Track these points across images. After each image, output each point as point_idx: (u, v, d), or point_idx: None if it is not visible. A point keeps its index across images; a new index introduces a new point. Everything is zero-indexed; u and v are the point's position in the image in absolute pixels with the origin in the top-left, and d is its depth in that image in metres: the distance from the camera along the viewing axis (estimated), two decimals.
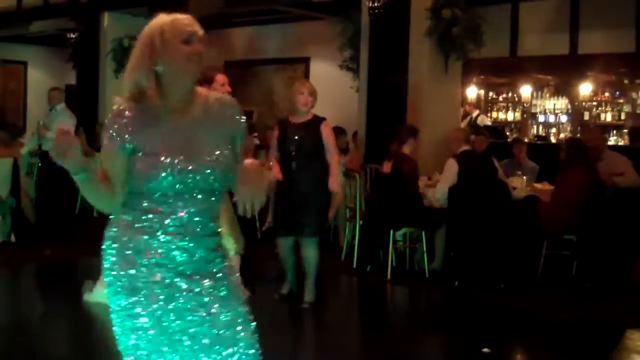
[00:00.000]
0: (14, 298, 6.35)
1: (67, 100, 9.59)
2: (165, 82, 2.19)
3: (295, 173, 5.54)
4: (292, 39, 12.41)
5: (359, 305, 6.51)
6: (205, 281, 2.20)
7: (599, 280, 6.32)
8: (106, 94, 11.18)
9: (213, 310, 2.20)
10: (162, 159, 2.12)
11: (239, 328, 2.24)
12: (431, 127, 7.92)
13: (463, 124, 10.61)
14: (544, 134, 11.41)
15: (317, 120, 5.60)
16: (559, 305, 5.96)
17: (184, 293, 2.17)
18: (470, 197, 6.45)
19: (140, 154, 2.13)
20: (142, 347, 2.17)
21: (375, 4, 8.17)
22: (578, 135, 10.35)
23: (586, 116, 11.10)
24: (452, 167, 6.63)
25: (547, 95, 11.53)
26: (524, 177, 7.58)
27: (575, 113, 11.21)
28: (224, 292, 2.23)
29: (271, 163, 5.78)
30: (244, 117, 2.38)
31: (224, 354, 2.21)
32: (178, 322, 2.17)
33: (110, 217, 2.22)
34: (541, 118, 11.64)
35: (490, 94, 12.22)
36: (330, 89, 10.24)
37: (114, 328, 2.21)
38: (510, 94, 12.01)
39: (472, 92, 11.71)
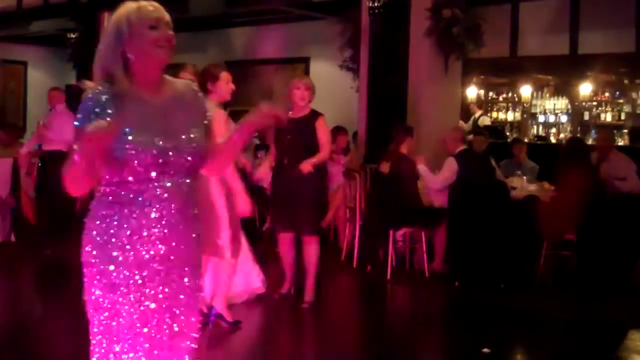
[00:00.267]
0: (14, 298, 6.35)
1: (67, 101, 9.59)
2: (134, 69, 2.24)
3: (289, 167, 5.56)
4: (292, 39, 12.40)
5: (359, 305, 6.51)
6: (182, 260, 2.29)
7: (599, 280, 6.32)
8: None
9: (185, 283, 2.30)
10: (142, 139, 2.16)
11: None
12: (431, 127, 7.91)
13: (468, 124, 10.63)
14: (544, 134, 11.41)
15: (314, 116, 5.62)
16: (559, 305, 5.96)
17: (161, 270, 2.24)
18: (469, 197, 6.45)
19: (121, 134, 2.14)
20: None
21: (375, 4, 8.16)
22: (578, 135, 10.36)
23: (586, 116, 11.10)
24: (451, 165, 6.63)
25: (547, 95, 11.53)
26: (524, 177, 7.59)
27: (575, 113, 11.20)
28: (191, 269, 2.33)
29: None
30: (206, 101, 2.47)
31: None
32: (152, 291, 2.23)
33: (95, 194, 2.27)
34: (541, 118, 11.63)
35: (490, 94, 12.21)
36: (330, 89, 10.24)
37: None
38: (510, 94, 12.00)
39: (472, 92, 11.70)
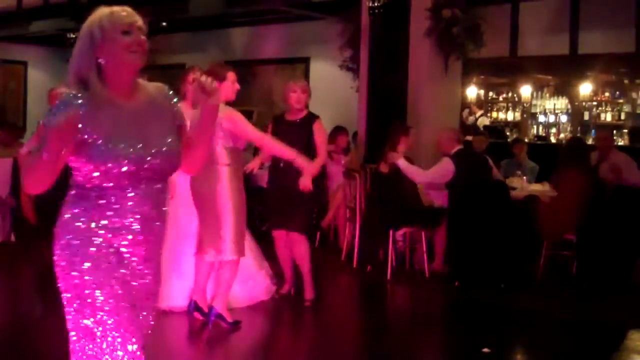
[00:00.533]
0: (14, 298, 6.35)
1: None
2: (108, 74, 2.25)
3: (284, 169, 5.60)
4: (292, 39, 12.40)
5: (359, 305, 6.51)
6: (152, 263, 2.36)
7: (599, 280, 6.32)
8: None
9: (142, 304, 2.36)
10: (121, 146, 2.20)
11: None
12: (431, 127, 7.91)
13: (471, 120, 10.65)
14: (544, 134, 11.41)
15: (310, 118, 5.65)
16: (559, 305, 5.96)
17: (133, 274, 2.32)
18: (469, 197, 6.45)
19: (97, 141, 2.18)
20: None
21: (375, 4, 8.16)
22: (578, 135, 10.36)
23: (586, 116, 11.10)
24: (446, 165, 6.58)
25: (547, 95, 11.53)
26: (524, 177, 7.59)
27: (575, 113, 11.21)
28: (153, 287, 2.40)
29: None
30: (178, 104, 2.49)
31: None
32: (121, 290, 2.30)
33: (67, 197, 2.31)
34: (541, 118, 11.64)
35: (490, 94, 12.22)
36: (330, 89, 10.25)
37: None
38: (510, 94, 12.00)
39: (472, 92, 11.70)
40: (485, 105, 12.09)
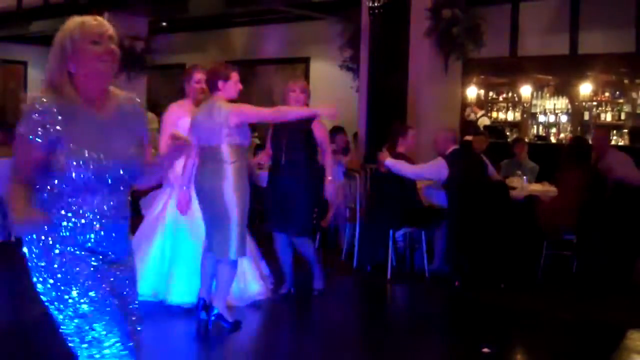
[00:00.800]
0: (14, 298, 6.35)
1: None
2: (79, 83, 2.32)
3: (284, 169, 5.64)
4: (292, 39, 12.41)
5: (359, 305, 6.51)
6: (119, 265, 2.45)
7: (599, 280, 6.32)
8: None
9: (124, 293, 2.46)
10: (86, 154, 2.27)
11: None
12: (431, 127, 7.90)
13: (474, 117, 10.65)
14: (544, 134, 11.41)
15: (309, 118, 5.64)
16: (559, 305, 5.96)
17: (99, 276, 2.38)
18: (468, 197, 6.45)
19: (65, 148, 2.25)
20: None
21: (375, 4, 8.16)
22: (578, 134, 10.35)
23: (586, 116, 11.10)
24: (438, 163, 6.54)
25: (547, 95, 11.53)
26: (524, 177, 7.58)
27: (575, 113, 11.21)
28: (130, 274, 2.50)
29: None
30: (146, 115, 2.63)
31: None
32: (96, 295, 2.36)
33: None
34: (541, 118, 11.64)
35: (490, 94, 12.21)
36: (330, 89, 10.25)
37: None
38: (510, 94, 12.00)
39: (472, 92, 11.70)
40: (486, 105, 12.09)
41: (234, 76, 4.91)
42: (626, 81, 10.77)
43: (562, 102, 11.38)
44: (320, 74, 11.68)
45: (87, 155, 2.26)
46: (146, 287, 5.21)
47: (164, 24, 12.44)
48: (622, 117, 10.83)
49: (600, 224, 6.41)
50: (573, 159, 6.61)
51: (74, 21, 2.36)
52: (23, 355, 4.56)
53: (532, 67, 10.52)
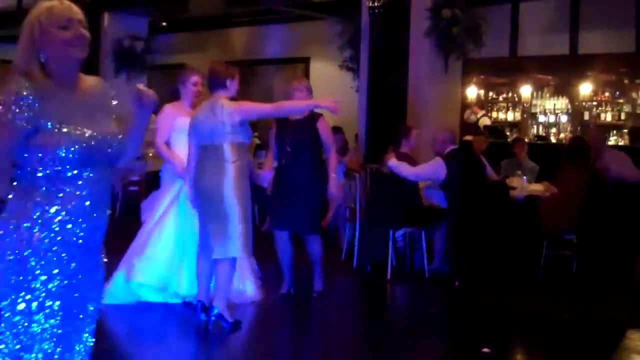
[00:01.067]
0: None
1: None
2: (50, 69, 2.28)
3: (289, 168, 5.64)
4: (292, 39, 12.42)
5: (359, 305, 6.51)
6: (90, 249, 2.37)
7: (599, 280, 6.32)
8: None
9: (97, 278, 2.42)
10: (72, 129, 2.23)
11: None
12: (431, 127, 7.91)
13: (475, 117, 10.66)
14: (544, 134, 11.41)
15: (314, 117, 5.66)
16: (559, 305, 5.96)
17: (82, 257, 2.33)
18: (468, 197, 6.45)
19: (50, 128, 2.21)
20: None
21: (375, 4, 8.17)
22: (578, 134, 10.35)
23: (586, 116, 11.09)
24: (436, 163, 6.53)
25: (547, 95, 11.52)
26: (524, 177, 7.58)
27: (575, 113, 11.20)
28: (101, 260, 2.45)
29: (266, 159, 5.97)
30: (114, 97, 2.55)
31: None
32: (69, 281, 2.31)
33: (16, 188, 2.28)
34: (541, 118, 11.63)
35: (490, 94, 12.20)
36: (330, 89, 10.21)
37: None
38: (510, 94, 11.99)
39: (472, 92, 11.70)
40: (486, 105, 12.07)
41: (237, 75, 4.95)
42: (626, 81, 10.76)
43: (562, 102, 11.37)
44: (320, 74, 11.68)
45: (69, 128, 2.23)
46: (157, 279, 5.24)
47: (164, 24, 12.44)
48: (622, 117, 10.82)
49: (600, 224, 6.41)
50: (572, 159, 6.62)
51: (41, 6, 2.31)
52: None
53: (532, 67, 10.52)
